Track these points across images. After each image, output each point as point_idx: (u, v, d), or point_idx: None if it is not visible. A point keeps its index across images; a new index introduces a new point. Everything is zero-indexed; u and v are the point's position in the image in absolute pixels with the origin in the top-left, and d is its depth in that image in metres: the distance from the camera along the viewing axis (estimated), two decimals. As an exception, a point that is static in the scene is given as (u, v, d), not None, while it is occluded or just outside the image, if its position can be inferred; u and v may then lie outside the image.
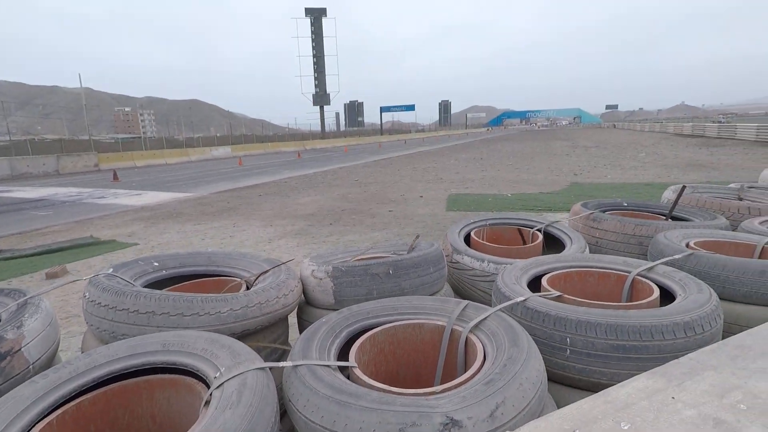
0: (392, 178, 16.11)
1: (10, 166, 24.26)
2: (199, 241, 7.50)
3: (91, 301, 1.92)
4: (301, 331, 2.64)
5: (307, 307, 2.52)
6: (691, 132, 38.82)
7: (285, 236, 7.54)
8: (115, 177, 20.07)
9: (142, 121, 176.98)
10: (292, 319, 2.78)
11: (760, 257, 2.61)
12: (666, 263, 2.35)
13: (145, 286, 2.35)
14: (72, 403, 1.37)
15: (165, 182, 18.33)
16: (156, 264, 2.53)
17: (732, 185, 4.64)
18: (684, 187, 3.65)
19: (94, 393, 1.43)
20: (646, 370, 1.64)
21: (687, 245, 2.67)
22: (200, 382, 1.47)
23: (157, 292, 1.92)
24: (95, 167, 28.20)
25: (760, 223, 3.15)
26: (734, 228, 3.24)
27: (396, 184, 14.02)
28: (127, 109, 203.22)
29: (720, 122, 43.10)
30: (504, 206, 9.28)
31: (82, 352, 1.99)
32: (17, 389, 1.35)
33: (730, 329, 2.11)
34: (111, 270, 2.21)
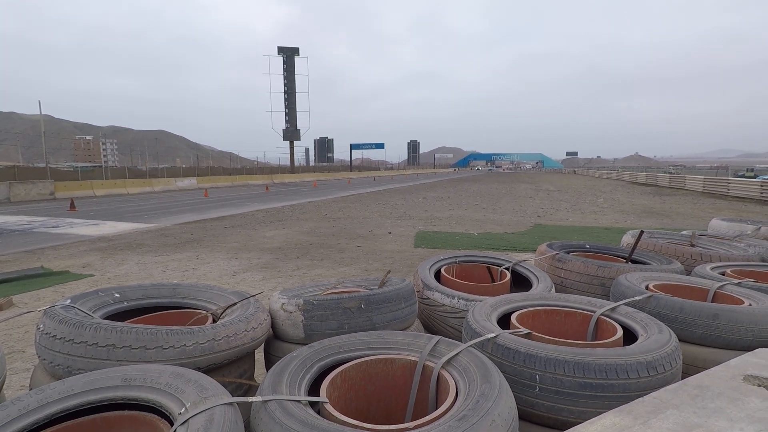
0: (361, 213, 16.16)
1: (-45, 193, 22.88)
2: (159, 273, 7.21)
3: (46, 334, 1.81)
4: (267, 366, 2.56)
5: (275, 342, 2.46)
6: (645, 181, 41.17)
7: (250, 269, 7.36)
8: (72, 206, 19.21)
9: (104, 150, 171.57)
10: (258, 354, 2.70)
11: (712, 301, 2.75)
12: (628, 304, 2.45)
13: (105, 319, 2.23)
14: (20, 443, 1.27)
15: (125, 212, 17.69)
16: (117, 295, 2.42)
17: (684, 232, 4.92)
18: (642, 232, 3.85)
19: None
20: (611, 408, 1.67)
21: (646, 287, 2.79)
22: (163, 419, 1.40)
23: (118, 324, 1.83)
24: (51, 195, 26.95)
25: (712, 268, 3.34)
26: (688, 272, 3.42)
27: (365, 220, 14.06)
28: (88, 137, 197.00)
29: (670, 173, 46.03)
30: (471, 245, 9.44)
31: (30, 389, 1.85)
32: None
33: (687, 370, 2.19)
34: (68, 301, 2.10)
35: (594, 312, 2.35)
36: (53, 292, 6.05)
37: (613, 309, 2.35)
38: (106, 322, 1.84)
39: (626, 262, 3.74)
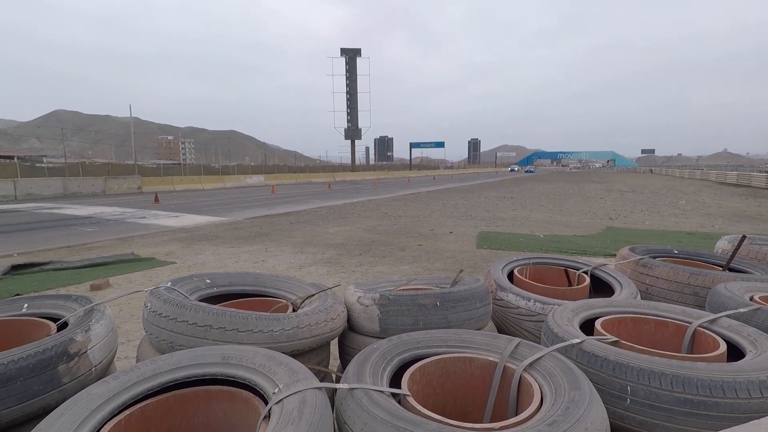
0: (422, 212, 16.11)
1: (63, 186, 26.26)
2: (232, 263, 7.63)
3: (153, 312, 1.99)
4: (341, 356, 2.63)
5: (350, 334, 2.52)
6: (736, 181, 37.29)
7: (315, 264, 7.58)
8: (156, 199, 20.90)
9: (182, 148, 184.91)
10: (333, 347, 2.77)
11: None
12: (729, 316, 2.25)
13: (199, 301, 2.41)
14: (138, 406, 1.40)
15: (201, 206, 18.90)
16: (208, 281, 2.60)
17: None
18: (744, 237, 3.50)
19: (157, 398, 1.46)
20: (713, 429, 1.53)
21: (751, 299, 2.54)
22: (257, 397, 1.48)
23: (215, 307, 1.97)
24: (138, 189, 29.60)
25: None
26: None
27: (425, 219, 14.00)
28: (169, 137, 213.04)
29: (768, 171, 41.00)
30: (536, 247, 9.10)
31: (138, 360, 2.03)
32: (91, 387, 1.40)
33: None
34: (169, 283, 2.29)
35: (690, 323, 2.18)
36: (142, 276, 6.60)
37: (713, 321, 2.16)
38: (204, 304, 1.99)
39: (723, 270, 3.43)
